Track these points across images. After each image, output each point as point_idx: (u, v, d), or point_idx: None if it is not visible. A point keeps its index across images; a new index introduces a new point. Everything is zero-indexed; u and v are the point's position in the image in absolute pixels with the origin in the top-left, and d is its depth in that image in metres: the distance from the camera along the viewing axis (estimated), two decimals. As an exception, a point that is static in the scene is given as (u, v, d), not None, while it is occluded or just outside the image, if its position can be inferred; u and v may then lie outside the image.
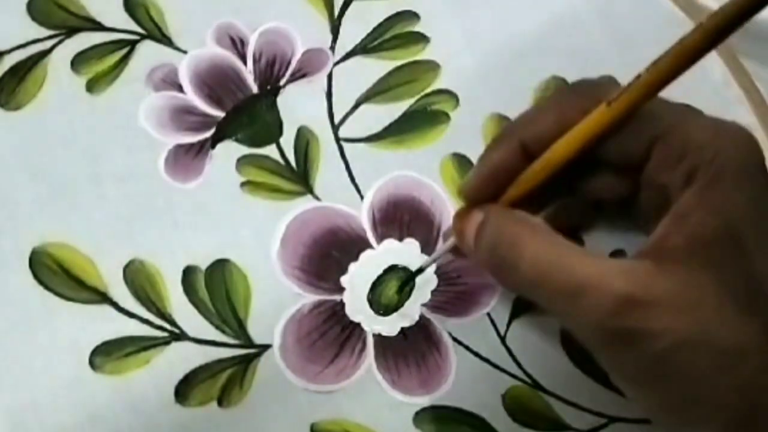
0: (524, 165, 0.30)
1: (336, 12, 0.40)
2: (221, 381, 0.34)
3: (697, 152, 0.28)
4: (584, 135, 0.29)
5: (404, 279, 0.36)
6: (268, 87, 0.39)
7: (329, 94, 0.39)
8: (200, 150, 0.37)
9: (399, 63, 0.39)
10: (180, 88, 0.38)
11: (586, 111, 0.29)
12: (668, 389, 0.27)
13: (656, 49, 0.27)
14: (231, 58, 0.39)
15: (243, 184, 0.37)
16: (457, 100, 0.39)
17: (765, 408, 0.27)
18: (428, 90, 0.39)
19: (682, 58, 0.26)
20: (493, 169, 0.31)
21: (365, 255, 0.36)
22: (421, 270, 0.35)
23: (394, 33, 0.40)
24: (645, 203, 0.31)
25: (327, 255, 0.36)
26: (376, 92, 0.39)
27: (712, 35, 0.25)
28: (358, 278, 0.36)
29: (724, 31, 0.24)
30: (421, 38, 0.40)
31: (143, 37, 0.39)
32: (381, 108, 0.39)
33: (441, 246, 0.33)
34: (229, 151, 0.38)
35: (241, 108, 0.38)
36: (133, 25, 0.39)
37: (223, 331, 0.35)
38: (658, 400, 0.28)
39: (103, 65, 0.39)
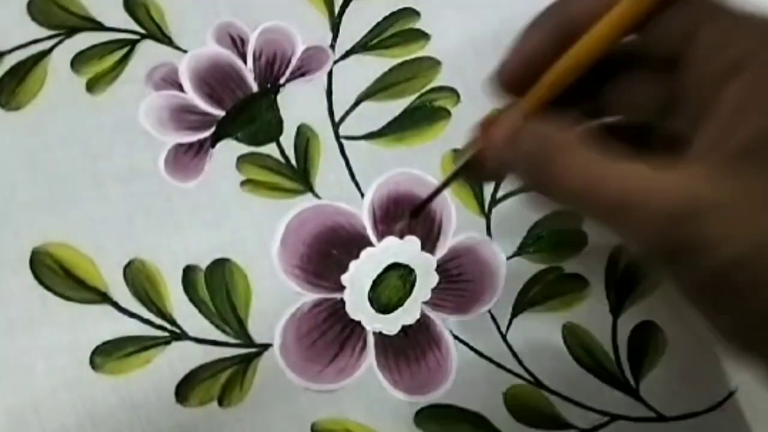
0: (563, 50, 0.27)
1: (336, 10, 0.40)
2: (221, 380, 0.34)
3: (743, 41, 0.25)
4: (623, 17, 0.26)
5: (414, 209, 0.35)
6: (268, 85, 0.39)
7: (329, 92, 0.39)
8: (200, 149, 0.37)
9: (399, 60, 0.39)
10: (180, 88, 0.38)
11: None
12: (736, 304, 0.24)
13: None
14: (231, 56, 0.39)
15: (243, 183, 0.37)
16: (458, 97, 0.39)
17: None
18: (429, 87, 0.39)
19: None
20: (529, 53, 0.28)
21: (366, 253, 0.36)
22: (430, 199, 0.33)
23: (394, 30, 0.40)
24: (680, 111, 0.28)
25: (327, 253, 0.36)
26: (377, 90, 0.39)
27: None
28: (358, 276, 0.36)
29: None
30: (422, 35, 0.40)
31: (143, 36, 0.39)
32: (381, 105, 0.38)
33: (458, 162, 0.31)
34: (229, 149, 0.37)
35: (241, 107, 0.38)
36: (133, 25, 0.39)
37: (224, 331, 0.35)
38: (725, 317, 0.25)
39: (103, 65, 0.39)
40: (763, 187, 0.24)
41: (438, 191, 0.32)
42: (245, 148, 0.38)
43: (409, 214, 0.35)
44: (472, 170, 0.29)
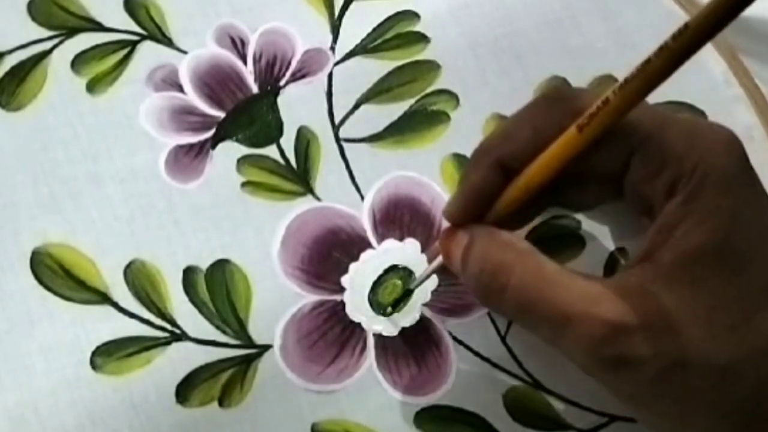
0: (504, 182, 0.30)
1: (336, 12, 0.40)
2: (222, 381, 0.34)
3: (675, 163, 0.28)
4: (558, 159, 0.28)
5: (399, 297, 0.35)
6: (269, 87, 0.39)
7: (329, 94, 0.39)
8: (200, 150, 0.37)
9: (399, 63, 0.39)
10: (180, 89, 0.39)
11: (560, 126, 0.28)
12: (665, 408, 0.27)
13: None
14: (231, 58, 0.39)
15: (243, 185, 0.37)
16: (458, 100, 0.39)
17: (766, 416, 0.27)
18: (429, 90, 0.39)
19: (648, 81, 0.25)
20: (474, 191, 0.30)
21: (366, 255, 0.36)
22: (411, 290, 0.35)
23: (394, 33, 0.40)
24: (631, 206, 0.31)
25: (327, 255, 0.36)
26: (377, 92, 0.39)
27: (676, 57, 0.24)
28: (358, 278, 0.36)
29: (689, 51, 0.23)
30: (422, 38, 0.40)
31: (144, 37, 0.39)
32: (381, 108, 0.39)
33: (431, 265, 0.33)
34: (230, 151, 0.38)
35: (242, 108, 0.38)
36: (133, 26, 0.40)
37: (224, 332, 0.35)
38: (657, 418, 0.28)
39: (103, 66, 0.39)
40: (684, 304, 0.26)
41: (415, 287, 0.35)
42: (245, 150, 0.38)
43: (391, 306, 0.35)
44: (447, 270, 0.32)
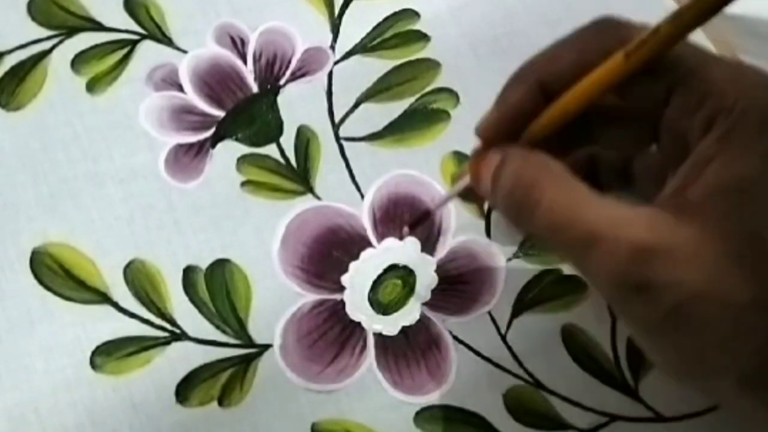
0: (542, 105, 0.29)
1: (336, 11, 0.40)
2: (222, 381, 0.34)
3: (717, 98, 0.27)
4: (600, 84, 0.28)
5: (415, 219, 0.35)
6: (269, 86, 0.39)
7: (329, 93, 0.39)
8: (200, 150, 0.37)
9: (399, 61, 0.39)
10: (180, 88, 0.38)
11: (606, 52, 0.28)
12: (681, 341, 0.26)
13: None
14: (231, 57, 0.39)
15: (243, 184, 0.37)
16: (458, 99, 0.39)
17: None
18: (428, 88, 0.39)
19: (701, 12, 0.25)
20: (510, 109, 0.30)
21: (366, 254, 0.36)
22: (429, 213, 0.35)
23: (394, 32, 0.40)
24: (664, 152, 0.30)
25: (327, 254, 0.36)
26: (377, 91, 0.39)
27: None
28: (358, 277, 0.36)
29: None
30: (422, 37, 0.40)
31: (143, 37, 0.39)
32: (381, 107, 0.39)
33: (455, 186, 0.33)
34: (230, 150, 0.38)
35: (242, 107, 0.38)
36: (133, 25, 0.40)
37: (224, 331, 0.35)
38: (671, 352, 0.27)
39: (103, 65, 0.39)
40: (712, 236, 0.25)
41: (436, 208, 0.35)
42: (245, 149, 0.38)
43: (408, 226, 0.35)
44: (471, 194, 0.32)
